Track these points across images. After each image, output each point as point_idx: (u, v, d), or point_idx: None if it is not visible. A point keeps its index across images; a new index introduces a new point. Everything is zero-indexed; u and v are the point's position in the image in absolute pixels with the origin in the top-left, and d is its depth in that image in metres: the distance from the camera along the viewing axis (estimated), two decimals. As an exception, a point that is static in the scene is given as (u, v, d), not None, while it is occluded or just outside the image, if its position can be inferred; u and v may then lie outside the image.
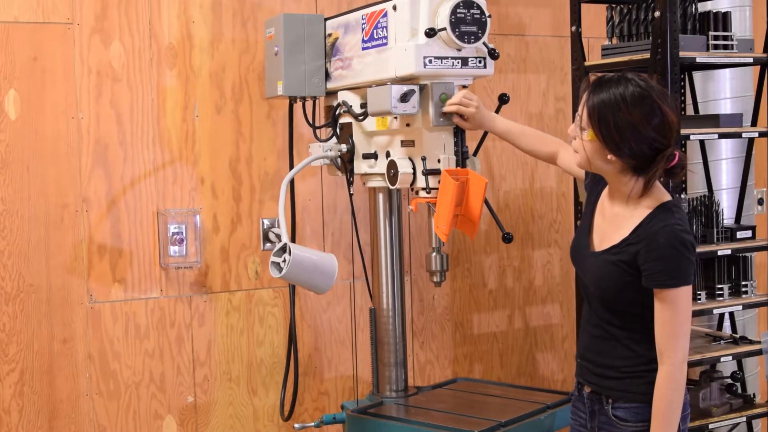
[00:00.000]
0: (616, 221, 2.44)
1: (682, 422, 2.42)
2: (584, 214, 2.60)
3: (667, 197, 2.40)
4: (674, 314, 2.31)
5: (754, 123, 3.75)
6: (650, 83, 2.35)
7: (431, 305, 4.16)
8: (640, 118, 2.29)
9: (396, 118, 2.97)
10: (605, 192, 2.51)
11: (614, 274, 2.39)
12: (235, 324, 3.76)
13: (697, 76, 4.05)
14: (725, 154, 4.07)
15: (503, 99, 3.01)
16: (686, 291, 2.32)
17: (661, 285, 2.31)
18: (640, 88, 2.31)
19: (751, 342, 3.70)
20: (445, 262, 3.05)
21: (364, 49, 3.07)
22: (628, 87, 2.31)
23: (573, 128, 2.43)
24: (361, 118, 3.12)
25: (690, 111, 4.06)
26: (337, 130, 3.26)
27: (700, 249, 3.53)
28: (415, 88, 2.86)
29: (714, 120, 3.57)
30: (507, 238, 2.93)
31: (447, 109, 2.83)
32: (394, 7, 2.90)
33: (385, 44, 2.96)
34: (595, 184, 2.59)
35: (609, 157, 2.34)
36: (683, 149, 3.95)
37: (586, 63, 3.69)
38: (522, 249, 4.36)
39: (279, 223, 3.27)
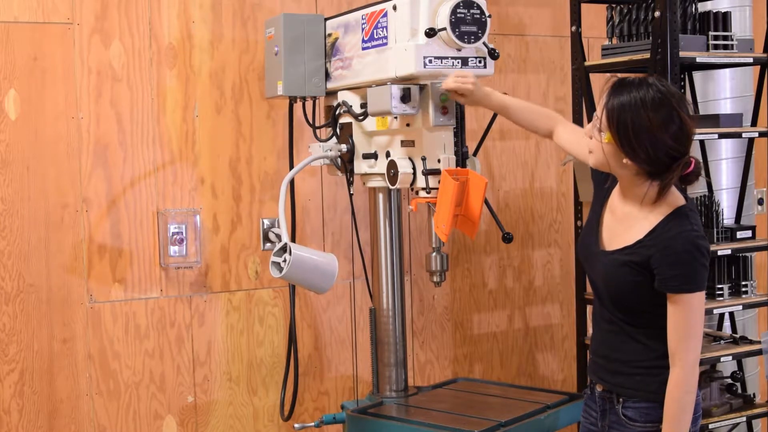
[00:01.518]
0: (627, 221, 2.43)
1: (693, 424, 2.42)
2: (592, 210, 2.59)
3: (683, 201, 2.38)
4: (687, 318, 2.32)
5: (754, 123, 3.75)
6: (671, 89, 2.32)
7: (431, 305, 4.16)
8: (658, 124, 2.27)
9: (396, 118, 2.97)
10: (616, 190, 2.50)
11: (625, 275, 2.39)
12: (235, 324, 3.76)
13: (697, 76, 4.05)
14: (725, 154, 4.07)
15: (503, 98, 3.01)
16: (700, 296, 2.33)
17: (675, 290, 2.31)
18: (660, 93, 2.29)
19: (751, 342, 3.70)
20: (445, 262, 3.05)
21: (364, 49, 3.07)
22: (648, 91, 2.28)
23: (590, 128, 2.41)
24: (361, 118, 3.12)
25: (690, 111, 4.05)
26: (337, 130, 3.26)
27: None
28: (416, 87, 2.87)
29: (714, 120, 3.57)
30: (507, 238, 2.94)
31: (445, 86, 2.79)
32: (394, 7, 2.90)
33: (385, 44, 2.96)
34: (604, 176, 2.58)
35: (624, 161, 2.33)
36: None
37: (586, 63, 3.70)
38: (522, 249, 4.36)
39: (279, 223, 3.27)
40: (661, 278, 2.33)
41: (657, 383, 2.40)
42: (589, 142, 2.42)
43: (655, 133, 2.27)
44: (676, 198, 2.39)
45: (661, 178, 2.33)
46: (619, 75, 2.42)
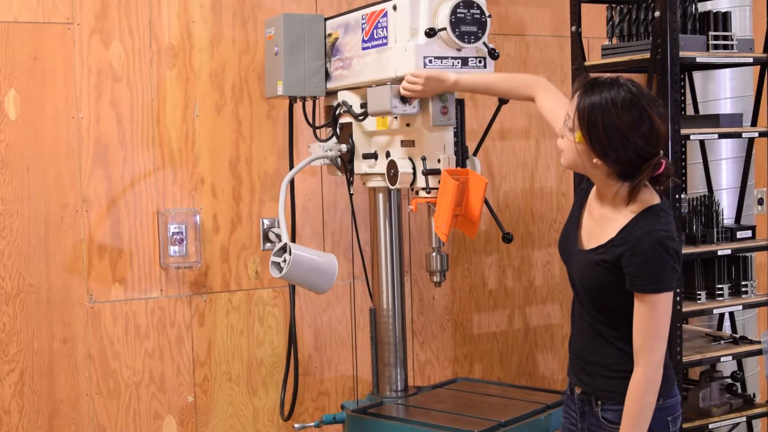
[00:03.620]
0: (602, 222, 2.44)
1: (673, 423, 2.42)
2: (573, 208, 2.59)
3: (656, 200, 2.38)
4: (652, 318, 2.31)
5: (754, 123, 3.75)
6: (642, 90, 2.33)
7: (431, 305, 4.16)
8: (628, 124, 2.27)
9: (396, 118, 2.97)
10: (594, 191, 2.51)
11: (598, 274, 2.39)
12: (235, 324, 3.76)
13: (697, 76, 4.05)
14: (725, 154, 4.07)
15: (503, 99, 3.01)
16: (667, 297, 2.31)
17: (641, 289, 2.31)
18: (631, 93, 2.29)
19: (751, 342, 3.70)
20: (445, 262, 3.05)
21: (364, 49, 3.07)
22: (619, 91, 2.29)
23: (561, 127, 2.42)
24: (361, 118, 3.12)
25: (690, 111, 4.06)
26: (337, 130, 3.26)
27: (700, 249, 3.54)
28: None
29: (714, 120, 3.58)
30: (507, 238, 2.94)
31: (403, 94, 2.84)
32: (394, 7, 2.90)
33: (385, 44, 2.96)
34: (579, 176, 2.59)
35: (595, 161, 2.33)
36: (683, 149, 3.96)
37: (586, 63, 3.69)
38: (522, 249, 4.36)
39: (279, 223, 3.27)
40: (629, 277, 2.32)
41: None
42: (560, 142, 2.43)
43: (625, 133, 2.28)
44: (649, 197, 2.38)
45: (632, 179, 2.33)
46: (592, 75, 2.42)
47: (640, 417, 2.33)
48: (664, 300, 2.31)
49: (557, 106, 2.70)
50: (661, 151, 2.34)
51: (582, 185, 2.59)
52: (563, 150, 2.41)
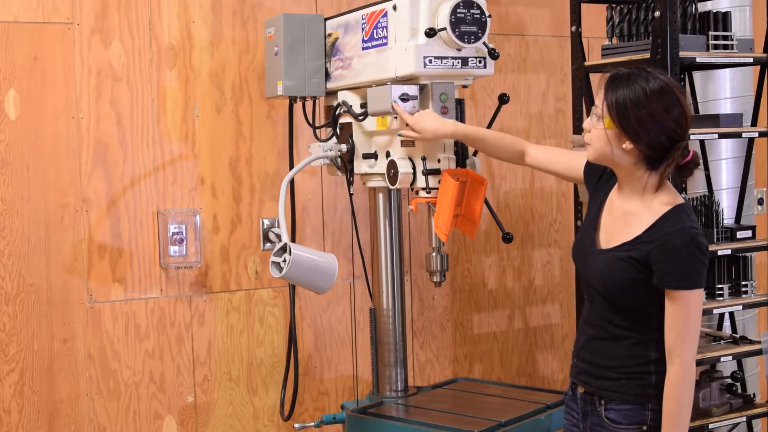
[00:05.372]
0: (626, 218, 2.44)
1: None
2: (588, 213, 2.59)
3: (681, 200, 2.41)
4: (684, 315, 2.32)
5: (754, 123, 3.75)
6: (667, 77, 2.39)
7: (431, 305, 4.16)
8: (660, 110, 2.32)
9: (396, 117, 2.97)
10: (614, 190, 2.52)
11: (622, 271, 2.39)
12: (235, 324, 3.76)
13: (697, 76, 4.05)
14: (725, 154, 4.07)
15: (503, 99, 3.01)
16: (698, 294, 2.33)
17: (673, 286, 2.32)
18: (660, 80, 2.35)
19: (751, 342, 3.70)
20: (445, 262, 3.06)
21: (364, 49, 3.07)
22: (648, 80, 2.34)
23: (588, 122, 2.44)
24: (361, 118, 3.12)
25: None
26: (337, 130, 3.26)
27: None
28: (416, 87, 2.87)
29: (714, 120, 3.57)
30: (507, 238, 2.94)
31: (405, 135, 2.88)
32: (394, 7, 2.90)
33: (385, 44, 2.96)
34: (601, 182, 2.59)
35: (625, 145, 2.35)
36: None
37: (586, 63, 3.69)
38: (522, 249, 4.36)
39: (279, 223, 3.27)
40: (659, 274, 2.33)
41: (641, 386, 2.41)
42: (586, 136, 2.45)
43: (658, 118, 2.32)
44: (674, 196, 2.41)
45: (660, 165, 2.36)
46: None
47: (681, 414, 2.35)
48: (695, 296, 2.33)
49: (548, 149, 2.84)
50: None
51: (589, 177, 2.59)
52: (590, 142, 2.43)
